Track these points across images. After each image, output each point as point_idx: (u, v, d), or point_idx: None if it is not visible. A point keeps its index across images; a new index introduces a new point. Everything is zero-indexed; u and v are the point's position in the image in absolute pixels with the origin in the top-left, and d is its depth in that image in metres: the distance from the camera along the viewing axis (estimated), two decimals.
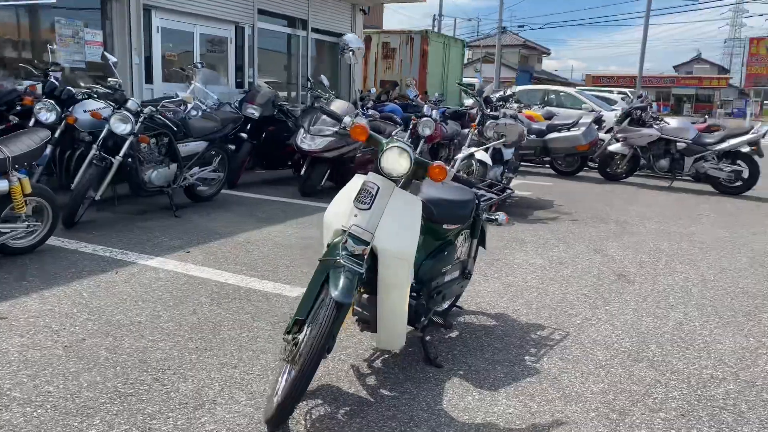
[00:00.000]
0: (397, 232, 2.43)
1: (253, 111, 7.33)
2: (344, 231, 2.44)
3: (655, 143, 8.89)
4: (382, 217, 2.41)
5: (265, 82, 10.50)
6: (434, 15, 50.79)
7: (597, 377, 2.86)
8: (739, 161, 8.45)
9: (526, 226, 5.99)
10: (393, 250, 2.42)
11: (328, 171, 7.04)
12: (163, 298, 3.57)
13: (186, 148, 5.74)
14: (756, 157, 8.34)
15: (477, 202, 3.11)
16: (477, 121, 6.67)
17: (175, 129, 5.53)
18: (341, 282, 2.24)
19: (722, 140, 8.45)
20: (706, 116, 25.10)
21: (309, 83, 9.08)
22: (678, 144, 8.75)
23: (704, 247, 5.51)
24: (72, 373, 2.65)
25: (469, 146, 6.48)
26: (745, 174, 8.44)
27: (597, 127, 9.32)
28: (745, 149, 8.31)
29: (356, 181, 2.61)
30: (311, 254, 4.62)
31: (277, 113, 7.68)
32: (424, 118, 6.69)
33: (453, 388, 2.69)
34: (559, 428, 2.40)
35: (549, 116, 10.76)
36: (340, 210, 2.55)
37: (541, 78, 50.83)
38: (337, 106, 7.13)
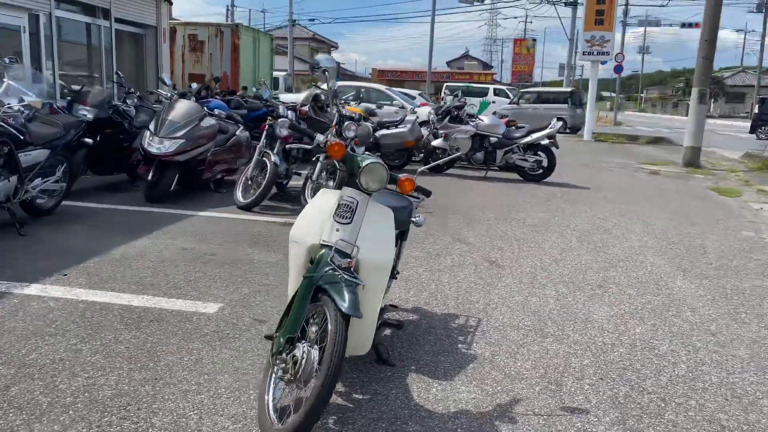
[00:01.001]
0: (377, 243, 2.57)
1: (86, 113, 6.68)
2: (323, 246, 2.52)
3: (472, 138, 9.86)
4: (361, 229, 2.53)
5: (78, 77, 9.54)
6: (227, 6, 49.14)
7: (523, 356, 3.28)
8: (540, 152, 9.75)
9: None
10: (374, 260, 2.56)
11: (177, 175, 6.72)
12: (72, 330, 3.25)
13: (27, 157, 5.10)
14: (553, 149, 9.70)
15: (412, 206, 3.34)
16: (335, 121, 6.85)
17: (18, 137, 4.89)
18: (347, 296, 2.31)
19: (527, 134, 9.69)
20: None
21: (118, 78, 8.51)
22: (491, 139, 9.82)
23: (539, 230, 6.36)
24: (21, 427, 2.36)
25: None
26: (545, 163, 9.77)
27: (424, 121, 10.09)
28: (545, 142, 9.61)
29: (326, 197, 2.68)
30: (202, 266, 4.47)
31: (112, 114, 7.08)
32: (281, 119, 6.69)
33: (415, 383, 2.91)
34: (519, 405, 2.76)
35: (371, 112, 11.30)
36: (312, 226, 2.61)
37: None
38: (182, 107, 6.81)
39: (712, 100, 49.63)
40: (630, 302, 4.24)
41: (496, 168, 10.31)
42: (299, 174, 7.28)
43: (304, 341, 2.40)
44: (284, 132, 6.67)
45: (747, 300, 4.43)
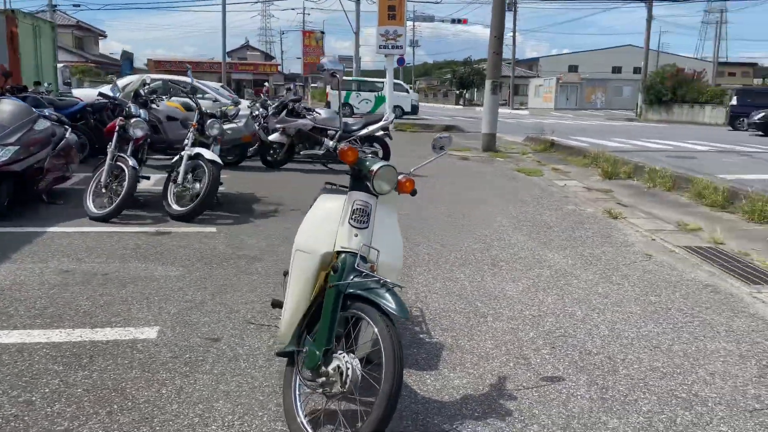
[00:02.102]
0: (391, 245, 2.59)
1: None
2: (340, 253, 2.47)
3: (310, 132, 9.90)
4: (374, 232, 2.53)
5: None
6: None
7: (480, 337, 3.52)
8: (375, 143, 10.12)
9: (278, 223, 6.19)
10: (390, 262, 2.57)
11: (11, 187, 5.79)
12: (5, 380, 2.74)
13: None
14: (387, 140, 10.15)
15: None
16: (196, 119, 6.43)
17: None
18: (392, 299, 2.29)
19: (363, 127, 9.99)
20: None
21: None
22: (329, 131, 9.95)
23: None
24: None
25: (193, 145, 6.22)
26: (381, 154, 10.16)
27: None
28: (380, 133, 10.02)
29: (330, 203, 2.62)
30: (102, 289, 3.98)
31: None
32: (134, 119, 6.10)
33: (409, 378, 2.99)
34: (508, 382, 3.00)
35: (189, 107, 10.74)
36: (322, 234, 2.54)
37: (102, 62, 47.74)
38: (7, 108, 5.87)
39: (476, 89, 55.18)
40: (527, 276, 4.73)
41: (334, 160, 10.45)
42: (147, 178, 6.72)
43: (340, 351, 2.36)
44: (139, 133, 6.13)
45: (607, 264, 5.19)
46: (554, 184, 9.82)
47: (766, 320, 4.00)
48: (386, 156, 10.18)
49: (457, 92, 53.29)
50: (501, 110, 29.18)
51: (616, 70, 62.64)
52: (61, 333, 3.28)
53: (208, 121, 6.43)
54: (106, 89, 7.24)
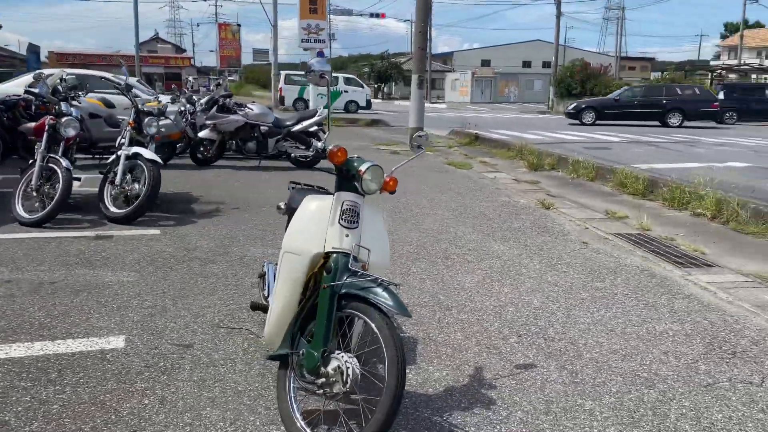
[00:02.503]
0: (379, 244, 2.62)
1: None
2: (331, 254, 2.47)
3: (242, 128, 9.71)
4: (363, 231, 2.56)
5: None
6: None
7: (449, 329, 3.62)
8: (310, 139, 10.04)
9: (222, 223, 6.04)
10: (378, 261, 2.60)
11: None
12: None
13: None
14: (322, 134, 10.10)
15: None
16: (133, 117, 6.15)
17: None
18: (391, 298, 2.32)
19: (297, 122, 9.89)
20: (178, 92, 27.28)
21: None
22: (261, 128, 9.79)
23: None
24: None
25: (130, 145, 5.96)
26: None
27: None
28: (314, 129, 9.95)
29: (317, 203, 2.61)
30: (54, 299, 3.79)
31: None
32: (66, 118, 5.78)
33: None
34: (486, 372, 3.11)
35: (108, 103, 10.29)
36: (311, 235, 2.54)
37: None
38: None
39: (394, 83, 55.70)
40: (479, 268, 4.88)
41: (267, 157, 10.30)
42: (78, 179, 6.40)
43: (338, 351, 2.37)
44: (71, 132, 5.83)
45: (550, 253, 5.44)
46: (485, 176, 10.11)
47: (702, 301, 4.33)
48: (322, 152, 10.14)
49: (376, 86, 53.60)
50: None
51: (526, 64, 64.90)
52: (19, 347, 3.10)
53: (146, 119, 6.19)
54: (27, 84, 6.81)
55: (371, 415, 2.25)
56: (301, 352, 2.43)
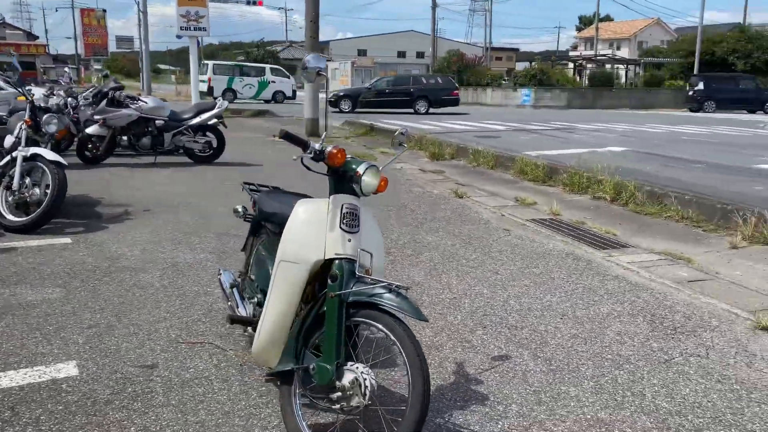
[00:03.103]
0: (377, 247, 2.52)
1: None
2: (333, 261, 2.35)
3: (135, 123, 9.05)
4: (363, 235, 2.45)
5: None
6: None
7: (419, 327, 3.54)
8: (209, 133, 9.59)
9: (137, 227, 5.57)
10: (377, 265, 2.51)
11: None
12: None
13: None
14: (221, 128, 9.67)
15: None
16: (29, 115, 5.49)
17: None
18: (406, 303, 2.24)
19: (195, 115, 9.38)
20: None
21: None
22: (157, 122, 9.19)
23: None
24: None
25: (27, 145, 5.33)
26: (215, 144, 9.68)
27: None
28: (213, 122, 9.50)
29: (313, 208, 2.46)
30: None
31: None
32: (48, 115, 5.23)
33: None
34: (467, 367, 3.12)
35: None
36: (310, 242, 2.39)
37: None
38: None
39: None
40: (421, 260, 4.90)
41: (163, 152, 9.67)
42: None
43: (351, 362, 2.27)
44: (53, 128, 5.28)
45: (480, 241, 5.57)
46: (390, 167, 10.16)
47: (629, 281, 4.63)
48: (221, 146, 9.72)
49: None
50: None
51: (401, 54, 66.19)
52: None
53: (45, 116, 5.59)
54: None
55: (396, 426, 2.18)
56: (311, 366, 2.29)
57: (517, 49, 77.71)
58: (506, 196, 7.80)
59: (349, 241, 2.38)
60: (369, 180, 2.44)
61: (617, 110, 27.99)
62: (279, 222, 2.89)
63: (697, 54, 31.23)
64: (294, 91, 30.95)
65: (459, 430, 2.55)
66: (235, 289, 3.09)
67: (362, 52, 62.78)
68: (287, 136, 2.42)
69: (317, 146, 2.41)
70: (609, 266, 4.98)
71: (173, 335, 3.31)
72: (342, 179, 2.45)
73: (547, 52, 71.92)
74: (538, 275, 4.68)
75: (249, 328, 2.85)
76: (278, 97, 29.41)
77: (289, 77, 31.22)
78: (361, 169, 2.42)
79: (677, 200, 6.85)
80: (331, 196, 2.46)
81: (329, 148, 2.39)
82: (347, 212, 2.41)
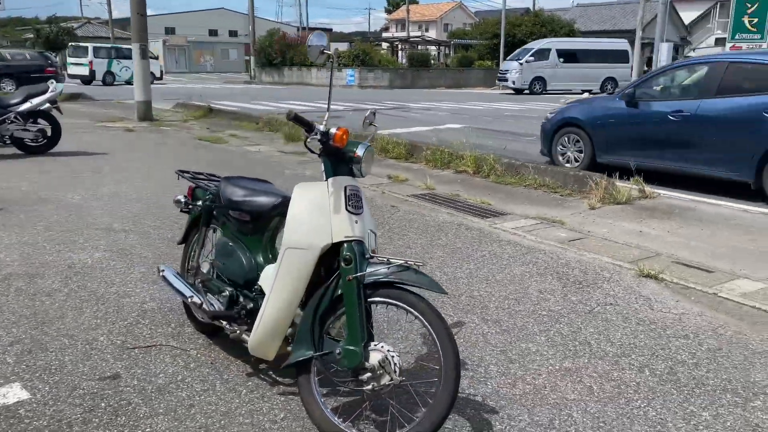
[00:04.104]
0: (374, 226, 2.52)
1: None
2: (342, 244, 2.30)
3: None
4: (365, 215, 2.44)
5: None
6: None
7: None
8: (42, 120, 8.54)
9: (7, 226, 4.83)
10: (373, 246, 2.50)
11: None
12: None
13: None
14: (57, 114, 8.65)
15: None
16: None
17: None
18: (425, 279, 2.27)
19: (24, 100, 8.27)
20: None
21: None
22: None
23: (131, 206, 6.04)
24: None
25: None
26: (50, 132, 8.64)
27: None
28: (46, 107, 8.47)
29: (314, 192, 2.38)
30: None
31: None
32: None
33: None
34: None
35: None
36: (317, 226, 2.33)
37: None
38: None
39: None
40: None
41: None
42: None
43: (374, 342, 2.27)
44: None
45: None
46: (249, 150, 9.88)
47: (522, 245, 5.05)
48: (56, 135, 8.71)
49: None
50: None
51: (213, 33, 63.50)
52: None
53: None
54: None
55: (430, 399, 2.23)
56: (336, 351, 2.25)
57: (330, 30, 78.39)
58: (378, 174, 7.98)
59: (357, 222, 2.37)
60: (367, 162, 2.43)
61: (436, 89, 29.68)
62: (249, 209, 2.76)
63: (502, 36, 34.04)
64: (162, 72, 32.39)
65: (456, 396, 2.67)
66: (193, 285, 2.89)
67: (170, 30, 59.15)
68: (296, 119, 2.32)
69: (321, 128, 2.34)
70: (498, 233, 5.39)
71: (118, 341, 3.00)
72: (340, 161, 2.41)
73: (357, 33, 73.54)
74: (446, 246, 4.93)
75: (227, 324, 2.69)
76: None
77: (157, 59, 31.49)
78: (359, 151, 2.40)
79: (534, 170, 7.56)
80: (330, 179, 2.41)
81: (333, 130, 2.34)
82: (351, 194, 2.39)
